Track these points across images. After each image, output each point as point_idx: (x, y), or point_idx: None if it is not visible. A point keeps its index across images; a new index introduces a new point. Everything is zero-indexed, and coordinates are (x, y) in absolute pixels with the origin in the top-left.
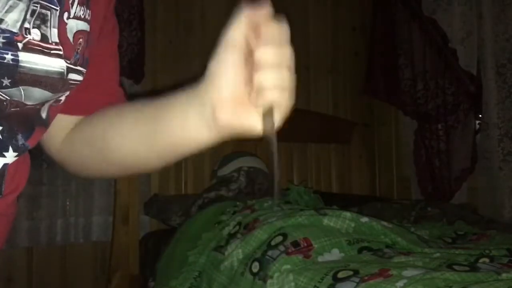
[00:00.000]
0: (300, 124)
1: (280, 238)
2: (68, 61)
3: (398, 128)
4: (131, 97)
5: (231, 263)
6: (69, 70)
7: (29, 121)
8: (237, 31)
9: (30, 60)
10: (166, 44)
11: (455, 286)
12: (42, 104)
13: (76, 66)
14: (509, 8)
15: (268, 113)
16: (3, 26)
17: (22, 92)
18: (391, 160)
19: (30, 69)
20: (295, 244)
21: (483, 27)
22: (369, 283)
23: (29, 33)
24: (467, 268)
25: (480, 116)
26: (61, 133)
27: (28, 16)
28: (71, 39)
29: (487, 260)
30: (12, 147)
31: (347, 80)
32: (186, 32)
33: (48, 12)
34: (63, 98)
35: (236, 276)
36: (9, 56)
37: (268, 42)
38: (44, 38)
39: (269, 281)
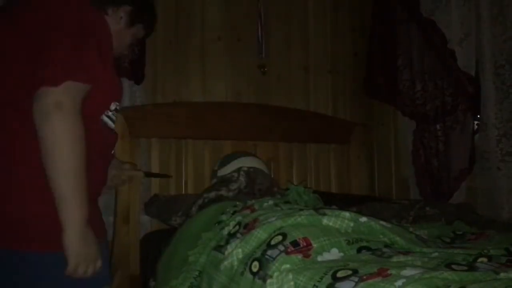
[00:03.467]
0: (299, 124)
1: (279, 237)
2: None
3: (397, 128)
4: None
5: (231, 263)
6: None
7: None
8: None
9: None
10: (166, 45)
11: (453, 286)
12: None
13: None
14: (507, 9)
15: None
16: None
17: None
18: (390, 160)
19: None
20: (295, 243)
21: (482, 28)
22: (368, 282)
23: None
24: (465, 268)
25: (479, 116)
26: None
27: None
28: None
29: (485, 259)
30: None
31: (347, 81)
32: (186, 32)
33: None
34: None
35: (236, 275)
36: None
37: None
38: None
39: (268, 281)
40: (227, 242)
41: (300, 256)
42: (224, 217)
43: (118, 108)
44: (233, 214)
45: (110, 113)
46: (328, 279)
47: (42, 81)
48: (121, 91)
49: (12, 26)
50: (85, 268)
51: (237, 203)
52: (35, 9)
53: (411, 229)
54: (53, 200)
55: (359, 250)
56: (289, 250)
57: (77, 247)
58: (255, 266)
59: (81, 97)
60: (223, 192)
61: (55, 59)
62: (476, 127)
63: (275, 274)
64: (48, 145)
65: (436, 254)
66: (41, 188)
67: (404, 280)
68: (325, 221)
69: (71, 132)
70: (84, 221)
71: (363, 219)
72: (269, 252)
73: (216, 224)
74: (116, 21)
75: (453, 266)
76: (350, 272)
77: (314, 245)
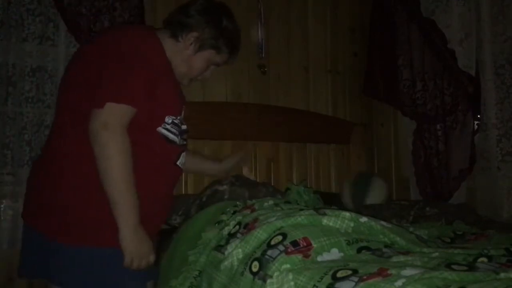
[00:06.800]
0: (299, 125)
1: (279, 237)
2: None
3: (397, 128)
4: None
5: (231, 263)
6: None
7: None
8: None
9: None
10: None
11: (453, 286)
12: None
13: None
14: (507, 9)
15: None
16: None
17: None
18: (390, 160)
19: None
20: (295, 243)
21: (482, 28)
22: (368, 282)
23: None
24: (465, 268)
25: (479, 116)
26: None
27: None
28: None
29: (485, 259)
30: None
31: (346, 81)
32: None
33: None
34: None
35: (236, 275)
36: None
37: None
38: None
39: (268, 281)
40: (227, 242)
41: (300, 256)
42: (224, 217)
43: (175, 122)
44: (233, 214)
45: (168, 126)
46: (328, 279)
47: (92, 104)
48: (177, 107)
49: (80, 59)
50: (139, 263)
51: (237, 203)
52: (98, 43)
53: (411, 229)
54: (99, 201)
55: (359, 250)
56: (289, 250)
57: (131, 245)
58: (255, 266)
59: (125, 117)
60: (217, 186)
61: (102, 84)
62: (476, 127)
63: (275, 274)
64: (99, 159)
65: (436, 254)
66: (90, 191)
67: (404, 280)
68: (325, 221)
69: (117, 147)
70: (134, 223)
71: (363, 219)
72: (269, 252)
73: (216, 224)
74: (186, 47)
75: (453, 266)
76: (350, 272)
77: (314, 245)
